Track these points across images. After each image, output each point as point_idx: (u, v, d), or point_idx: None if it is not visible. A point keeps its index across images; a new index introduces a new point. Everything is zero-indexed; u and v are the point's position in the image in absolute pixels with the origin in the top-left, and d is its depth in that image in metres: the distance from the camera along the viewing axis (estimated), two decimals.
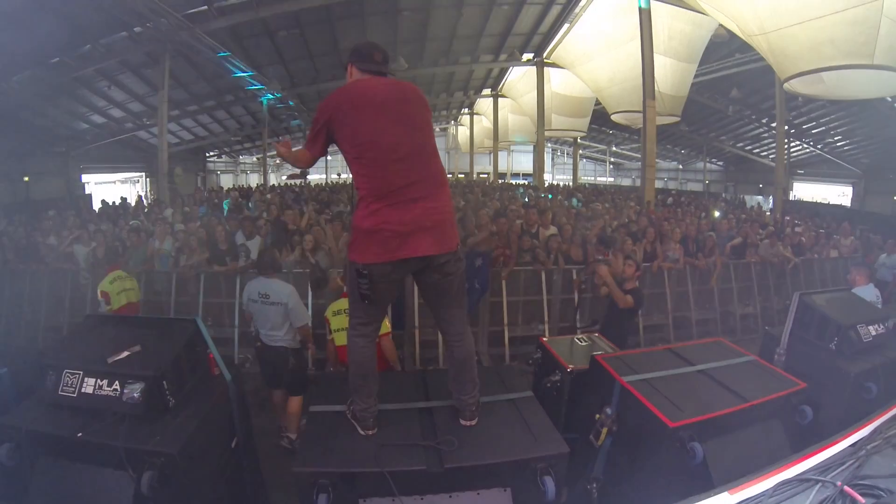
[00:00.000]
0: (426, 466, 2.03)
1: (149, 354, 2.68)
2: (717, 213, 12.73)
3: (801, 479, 1.63)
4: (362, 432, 2.27)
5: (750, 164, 29.06)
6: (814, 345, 3.71)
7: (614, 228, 9.13)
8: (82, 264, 7.57)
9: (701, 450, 2.30)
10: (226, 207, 12.47)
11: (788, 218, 12.56)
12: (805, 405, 2.83)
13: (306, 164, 2.51)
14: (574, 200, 15.72)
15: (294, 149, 2.59)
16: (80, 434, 2.46)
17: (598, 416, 2.81)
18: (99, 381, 2.60)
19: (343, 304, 4.26)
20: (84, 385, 2.61)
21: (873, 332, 3.73)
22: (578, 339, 3.99)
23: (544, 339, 3.92)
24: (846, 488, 1.52)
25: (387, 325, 4.25)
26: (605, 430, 2.74)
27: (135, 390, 2.53)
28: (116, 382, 2.57)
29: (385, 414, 2.38)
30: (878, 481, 1.60)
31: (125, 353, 2.70)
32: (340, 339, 4.24)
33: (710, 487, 1.65)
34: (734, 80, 19.74)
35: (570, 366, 3.33)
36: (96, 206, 16.35)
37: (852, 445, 1.97)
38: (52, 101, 15.82)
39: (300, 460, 2.09)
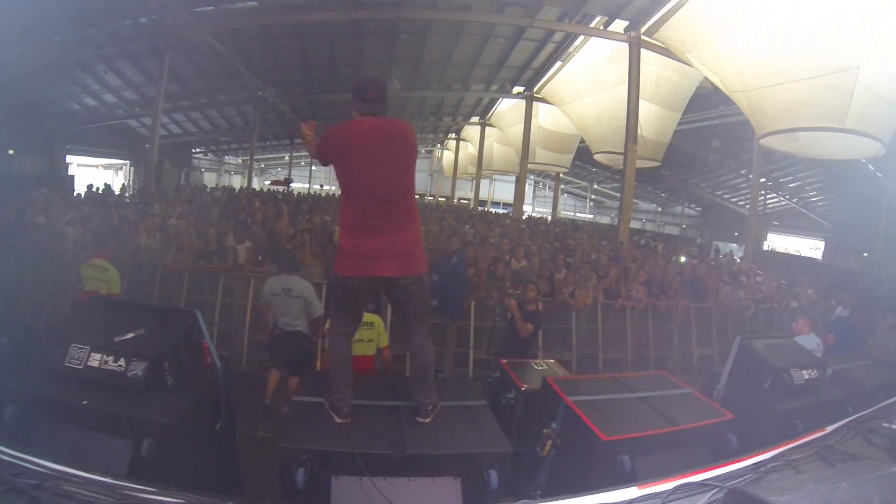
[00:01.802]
0: (390, 451, 2.39)
1: (152, 337, 2.98)
2: (682, 259, 13.24)
3: (700, 484, 1.98)
4: (337, 420, 2.63)
5: (727, 212, 29.96)
6: (750, 384, 4.10)
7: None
8: (70, 246, 7.66)
9: (629, 462, 2.64)
10: None
11: (751, 267, 13.13)
12: (731, 434, 3.21)
13: (315, 158, 2.97)
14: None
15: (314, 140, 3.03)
16: (85, 402, 2.74)
17: (545, 430, 3.15)
18: (105, 356, 2.88)
19: None
20: (90, 359, 2.89)
21: (806, 377, 4.13)
22: (536, 363, 4.39)
23: (504, 361, 4.30)
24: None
25: (385, 340, 4.75)
26: (549, 443, 3.08)
27: (139, 368, 2.83)
28: (122, 359, 2.85)
29: (358, 408, 2.75)
30: (769, 495, 1.95)
31: (130, 335, 2.99)
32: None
33: None
34: (716, 131, 20.50)
35: (525, 385, 3.71)
36: (79, 188, 16.24)
37: (755, 464, 2.34)
38: (47, 78, 15.78)
39: (284, 439, 2.42)
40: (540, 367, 4.30)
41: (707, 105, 19.06)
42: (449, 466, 2.42)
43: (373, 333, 4.56)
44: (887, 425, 2.93)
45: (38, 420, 2.71)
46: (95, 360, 2.89)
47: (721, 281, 10.22)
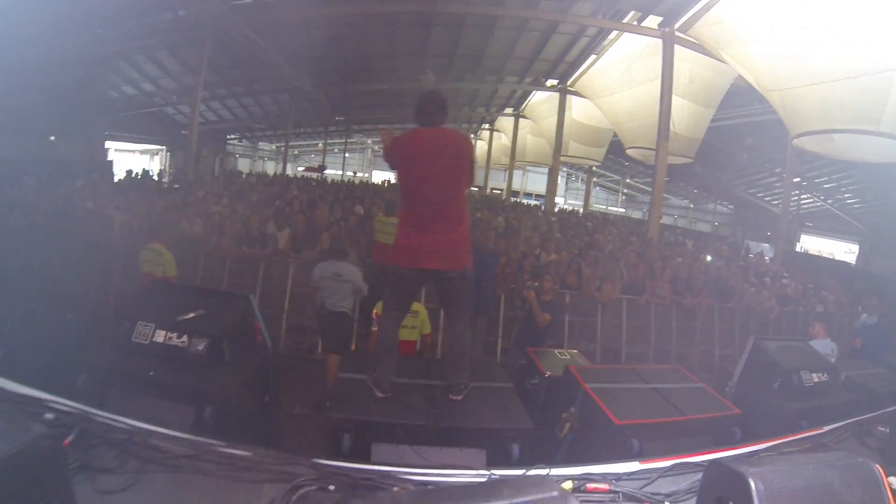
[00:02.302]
0: (425, 423, 2.73)
1: (212, 318, 3.35)
2: (708, 258, 13.26)
3: (694, 464, 2.26)
4: (379, 394, 2.98)
5: (760, 211, 29.37)
6: (760, 382, 4.31)
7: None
8: (116, 231, 8.08)
9: (638, 445, 2.92)
10: None
11: (777, 269, 13.08)
12: (736, 428, 3.46)
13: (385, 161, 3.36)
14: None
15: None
16: (152, 373, 3.13)
17: (564, 413, 3.44)
18: (169, 333, 3.26)
19: None
20: (156, 335, 3.27)
21: (815, 379, 4.31)
22: (559, 352, 4.68)
23: (530, 349, 4.60)
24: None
25: (428, 328, 5.25)
26: (567, 426, 3.38)
27: (200, 344, 3.20)
28: (185, 336, 3.23)
29: (397, 385, 3.12)
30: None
31: (192, 315, 3.37)
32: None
33: None
34: (750, 129, 20.15)
35: (548, 372, 4.01)
36: (118, 173, 16.86)
37: (750, 452, 2.61)
38: (88, 68, 16.37)
39: (334, 409, 2.78)
40: (563, 357, 4.61)
41: (741, 102, 18.77)
42: (476, 439, 2.75)
43: (417, 321, 5.02)
44: (882, 429, 3.14)
45: (107, 388, 3.09)
46: (160, 336, 3.26)
47: (746, 281, 10.26)
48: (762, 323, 9.46)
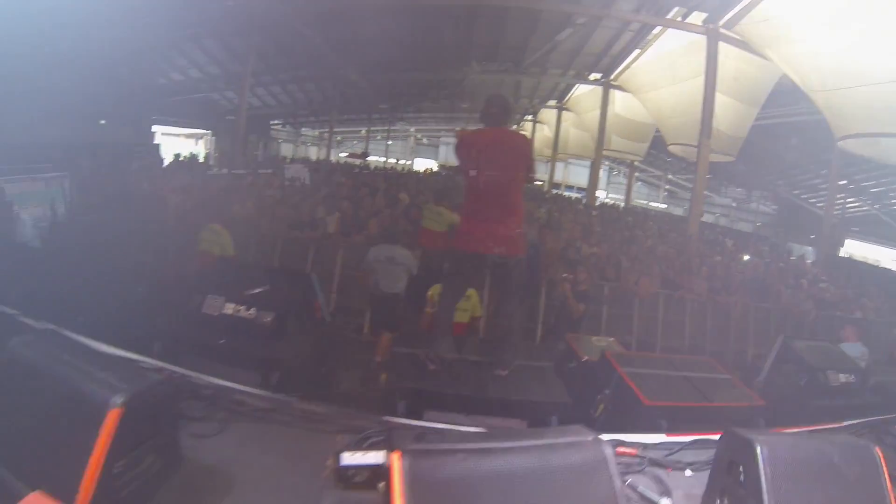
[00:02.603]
0: (472, 394, 3.05)
1: (277, 293, 3.74)
2: (746, 257, 13.21)
3: (714, 441, 2.51)
4: (431, 367, 3.33)
5: (804, 213, 28.65)
6: (787, 379, 4.51)
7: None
8: (173, 211, 8.46)
9: (665, 425, 3.18)
10: None
11: (816, 272, 12.93)
12: (760, 419, 3.68)
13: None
14: None
15: None
16: (222, 341, 3.52)
17: (599, 395, 3.73)
18: (238, 305, 3.65)
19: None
20: (225, 308, 3.66)
21: (842, 380, 4.49)
22: (597, 339, 4.98)
23: (569, 336, 4.91)
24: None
25: (480, 311, 5.65)
26: (601, 406, 3.66)
27: (267, 316, 3.59)
28: (253, 309, 3.62)
29: (449, 360, 3.48)
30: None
31: (259, 290, 3.76)
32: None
33: None
34: (795, 128, 19.76)
35: (585, 357, 4.30)
36: (165, 156, 17.56)
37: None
38: (138, 55, 16.93)
39: (392, 378, 3.14)
40: (600, 343, 4.88)
41: (786, 101, 18.39)
42: (518, 410, 3.08)
43: (468, 304, 5.33)
44: None
45: (180, 355, 3.47)
46: (230, 308, 3.65)
47: (784, 283, 10.25)
48: (798, 325, 9.45)
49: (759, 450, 1.80)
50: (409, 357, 3.43)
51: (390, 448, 1.76)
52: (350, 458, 2.03)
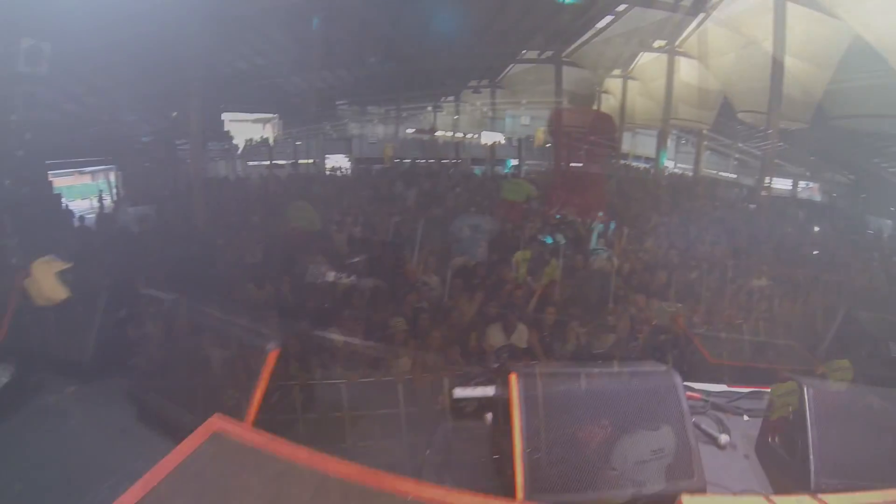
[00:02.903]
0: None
1: (376, 263, 4.31)
2: (816, 229, 12.91)
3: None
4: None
5: (884, 184, 27.10)
6: (849, 349, 4.70)
7: None
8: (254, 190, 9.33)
9: (727, 381, 3.55)
10: None
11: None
12: None
13: None
14: None
15: None
16: (326, 305, 4.13)
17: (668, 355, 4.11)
18: (338, 273, 4.25)
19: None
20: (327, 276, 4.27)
21: None
22: (667, 304, 5.38)
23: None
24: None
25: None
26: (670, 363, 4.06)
27: (367, 283, 4.18)
28: (354, 276, 4.21)
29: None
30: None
31: (357, 259, 4.37)
32: None
33: None
34: (872, 92, 18.73)
35: (655, 321, 4.68)
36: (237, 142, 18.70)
37: None
38: (204, 50, 17.92)
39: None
40: (670, 309, 5.21)
41: (862, 64, 17.42)
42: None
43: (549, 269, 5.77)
44: None
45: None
46: (331, 276, 4.26)
47: (857, 257, 10.07)
48: (867, 299, 9.35)
49: (806, 391, 2.18)
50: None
51: (498, 382, 2.25)
52: (462, 392, 2.54)
